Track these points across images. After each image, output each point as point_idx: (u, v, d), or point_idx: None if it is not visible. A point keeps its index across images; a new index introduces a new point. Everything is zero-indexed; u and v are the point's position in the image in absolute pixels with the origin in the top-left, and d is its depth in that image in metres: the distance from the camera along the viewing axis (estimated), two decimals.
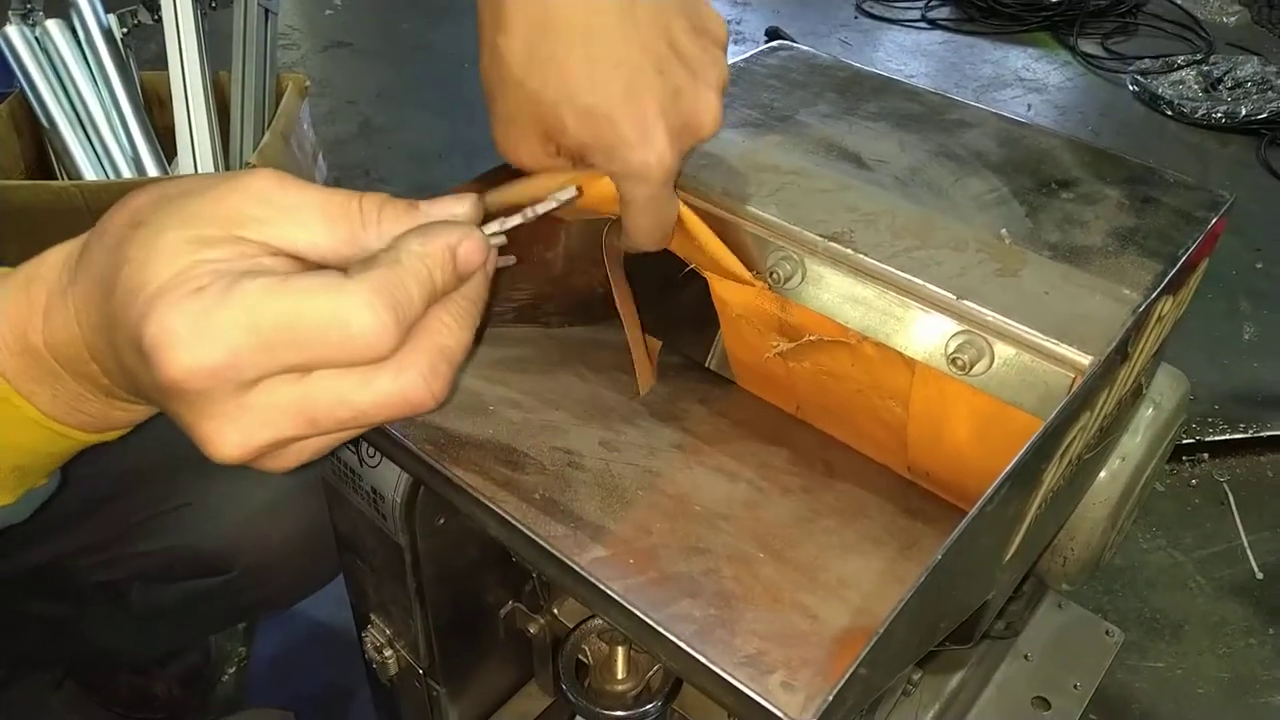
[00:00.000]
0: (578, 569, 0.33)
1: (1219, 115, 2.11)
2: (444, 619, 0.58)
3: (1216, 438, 1.35)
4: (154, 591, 0.79)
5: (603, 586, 0.32)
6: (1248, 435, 1.36)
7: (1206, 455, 1.34)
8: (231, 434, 0.29)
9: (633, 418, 0.48)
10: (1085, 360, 0.38)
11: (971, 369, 0.40)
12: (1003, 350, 0.40)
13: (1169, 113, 2.17)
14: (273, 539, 0.76)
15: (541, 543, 0.34)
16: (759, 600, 0.35)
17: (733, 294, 0.48)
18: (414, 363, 0.30)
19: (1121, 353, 0.41)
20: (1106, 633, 0.90)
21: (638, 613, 0.31)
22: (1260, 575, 1.19)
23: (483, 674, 0.67)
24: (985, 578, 0.42)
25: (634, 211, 0.41)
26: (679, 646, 0.30)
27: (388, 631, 0.62)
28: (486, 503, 0.36)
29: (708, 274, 0.48)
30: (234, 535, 0.75)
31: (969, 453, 0.44)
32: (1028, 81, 2.33)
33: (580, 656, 0.61)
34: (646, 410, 0.49)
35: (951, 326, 0.41)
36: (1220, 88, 2.22)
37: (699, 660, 0.30)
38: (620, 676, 0.59)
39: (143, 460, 0.69)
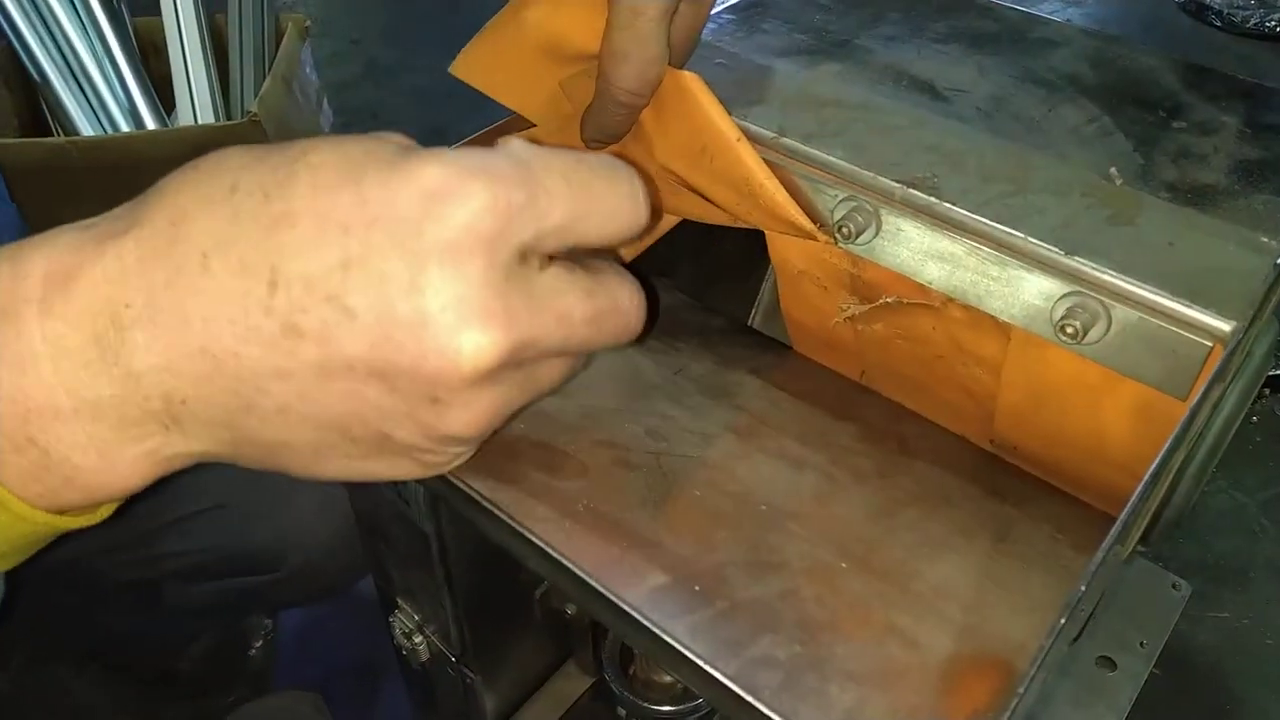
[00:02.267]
0: (637, 616, 0.27)
1: (1273, 24, 1.98)
2: (475, 604, 0.54)
3: (1278, 371, 1.28)
4: (189, 590, 0.76)
5: (667, 637, 0.27)
6: None
7: (1268, 390, 1.26)
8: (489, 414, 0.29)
9: (679, 396, 0.42)
10: (1227, 327, 0.32)
11: (1084, 337, 0.34)
12: (1123, 315, 0.34)
13: (1217, 24, 2.04)
14: (321, 536, 0.73)
15: (590, 580, 0.29)
16: (848, 627, 0.29)
17: (796, 247, 0.42)
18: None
19: (1263, 313, 0.35)
20: (1173, 586, 0.85)
21: (716, 674, 0.26)
22: None
23: (519, 658, 0.63)
24: (1105, 578, 0.37)
25: (614, 29, 0.36)
26: (767, 716, 0.25)
27: (416, 617, 0.58)
28: (519, 529, 0.30)
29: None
30: (282, 534, 0.73)
31: (1072, 427, 0.39)
32: None
33: (625, 642, 0.56)
34: (694, 386, 0.43)
35: (1059, 288, 0.35)
36: None
37: None
38: None
39: None
